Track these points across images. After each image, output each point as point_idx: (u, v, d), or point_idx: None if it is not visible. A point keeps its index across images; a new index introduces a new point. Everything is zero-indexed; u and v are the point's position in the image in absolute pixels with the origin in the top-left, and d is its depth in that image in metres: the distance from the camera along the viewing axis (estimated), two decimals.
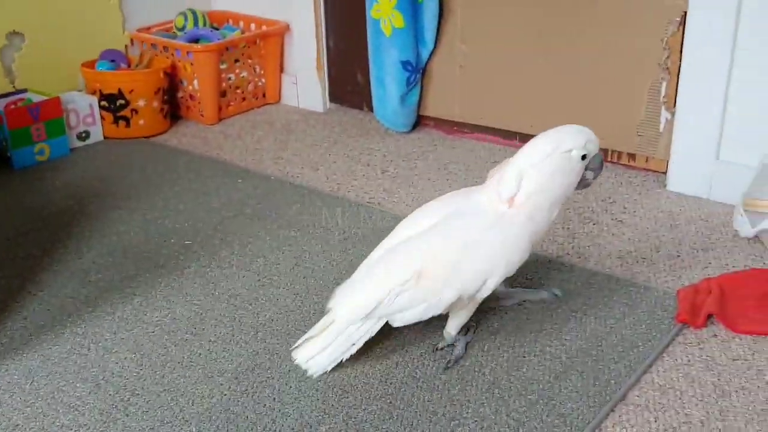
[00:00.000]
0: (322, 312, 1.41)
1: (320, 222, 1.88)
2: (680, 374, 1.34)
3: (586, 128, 1.34)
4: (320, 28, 2.55)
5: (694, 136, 1.95)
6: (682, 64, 1.93)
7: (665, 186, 2.03)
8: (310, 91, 2.62)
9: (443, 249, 1.30)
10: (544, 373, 1.34)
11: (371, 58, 2.37)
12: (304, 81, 2.63)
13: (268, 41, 2.61)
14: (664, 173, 2.05)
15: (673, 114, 2.00)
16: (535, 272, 1.64)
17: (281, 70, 2.68)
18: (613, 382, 1.31)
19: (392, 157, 2.27)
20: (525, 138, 2.29)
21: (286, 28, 2.62)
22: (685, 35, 1.91)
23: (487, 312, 1.51)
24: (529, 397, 1.28)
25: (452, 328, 1.39)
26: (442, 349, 1.40)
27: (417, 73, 2.36)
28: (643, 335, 1.43)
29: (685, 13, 1.91)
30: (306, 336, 1.35)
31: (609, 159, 2.16)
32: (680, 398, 1.28)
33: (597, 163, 1.36)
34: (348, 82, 2.59)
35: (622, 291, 1.56)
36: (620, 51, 2.05)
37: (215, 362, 1.40)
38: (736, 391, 1.29)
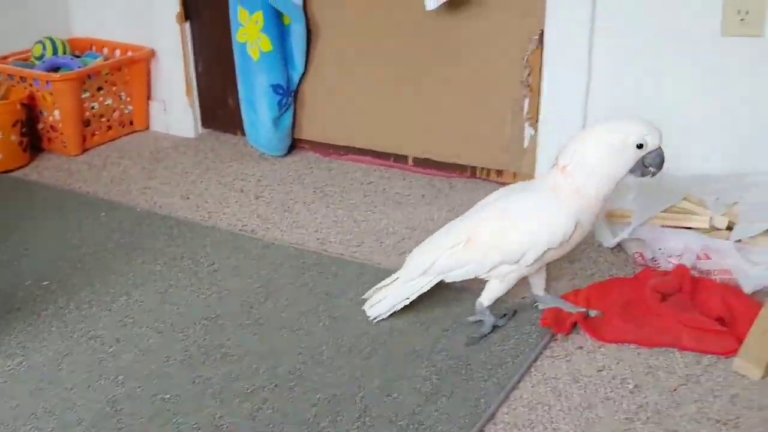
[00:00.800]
0: (186, 350, 1.36)
1: (188, 254, 1.81)
2: (548, 388, 1.36)
3: (649, 122, 1.39)
4: (187, 53, 2.49)
5: (557, 150, 2.00)
6: (542, 82, 1.99)
7: None
8: (180, 117, 2.55)
9: (491, 218, 1.45)
10: (415, 397, 1.33)
11: (240, 82, 2.33)
12: (174, 107, 2.56)
13: (134, 67, 2.52)
14: None
15: (536, 130, 2.05)
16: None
17: (149, 96, 2.59)
18: (482, 401, 1.31)
19: (267, 182, 2.23)
20: (399, 159, 2.33)
21: (152, 53, 2.54)
22: (543, 53, 1.97)
23: (361, 337, 1.49)
24: (399, 423, 1.27)
25: (485, 299, 1.49)
26: (472, 323, 1.51)
27: (288, 96, 2.33)
28: (511, 351, 1.44)
29: (543, 31, 1.96)
30: (376, 286, 1.56)
31: (478, 176, 2.19)
32: (548, 413, 1.30)
33: (655, 157, 1.39)
34: (219, 106, 2.53)
35: (493, 307, 1.57)
36: (484, 70, 2.09)
37: (72, 411, 1.32)
38: (602, 402, 1.32)
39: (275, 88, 2.28)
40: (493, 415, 1.29)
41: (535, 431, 1.26)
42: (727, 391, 1.34)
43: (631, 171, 1.41)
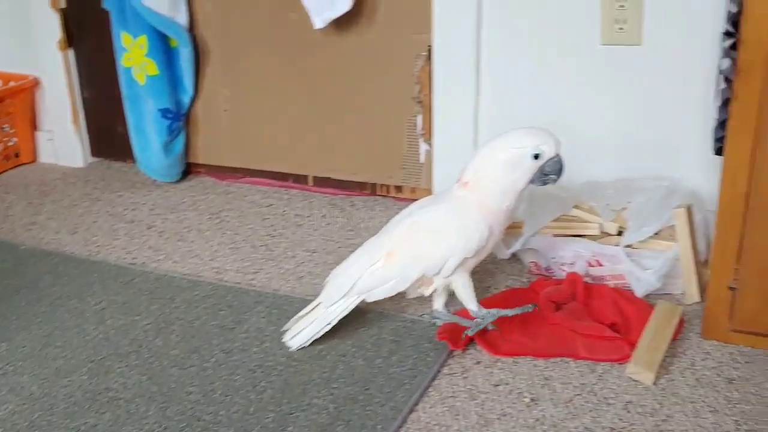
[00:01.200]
0: (70, 396, 1.29)
1: (75, 292, 1.73)
2: (445, 408, 1.34)
3: (544, 131, 1.41)
4: (72, 80, 2.40)
5: (452, 164, 1.99)
6: (433, 97, 1.99)
7: None
8: (68, 147, 2.45)
9: (407, 232, 1.45)
10: (311, 429, 1.29)
11: (127, 108, 2.25)
12: (61, 137, 2.45)
13: (17, 98, 2.41)
14: None
15: (431, 145, 2.05)
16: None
17: (35, 126, 2.49)
18: (379, 427, 1.29)
19: (160, 210, 2.16)
20: (299, 179, 2.30)
21: (36, 82, 2.44)
22: (432, 69, 1.97)
23: (255, 371, 1.44)
24: None
25: (470, 306, 1.48)
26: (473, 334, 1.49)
27: (179, 120, 2.27)
28: (409, 372, 1.42)
29: (431, 47, 1.96)
30: (297, 316, 1.53)
31: (378, 193, 2.18)
32: None
33: (554, 165, 1.41)
34: (108, 134, 2.44)
35: (390, 327, 1.55)
36: (377, 87, 2.08)
37: None
38: (498, 418, 1.32)
39: (164, 112, 2.21)
40: None
41: None
42: (621, 399, 1.35)
43: (531, 182, 1.42)
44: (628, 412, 1.32)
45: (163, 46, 2.17)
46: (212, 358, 1.48)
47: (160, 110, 2.21)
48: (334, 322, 1.49)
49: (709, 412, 1.31)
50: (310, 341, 1.50)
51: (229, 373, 1.44)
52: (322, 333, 1.50)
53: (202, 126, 2.31)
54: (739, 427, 1.27)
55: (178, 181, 2.32)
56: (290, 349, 1.50)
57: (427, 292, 1.50)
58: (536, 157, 1.39)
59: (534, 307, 1.49)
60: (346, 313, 1.49)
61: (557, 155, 1.41)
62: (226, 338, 1.54)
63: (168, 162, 2.27)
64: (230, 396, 1.38)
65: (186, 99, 2.26)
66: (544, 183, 1.44)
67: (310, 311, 1.51)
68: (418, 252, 1.44)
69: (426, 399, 1.37)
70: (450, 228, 1.43)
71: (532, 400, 1.35)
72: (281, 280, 1.78)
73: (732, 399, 1.34)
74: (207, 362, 1.47)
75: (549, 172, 1.41)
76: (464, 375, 1.43)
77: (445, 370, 1.44)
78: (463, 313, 1.54)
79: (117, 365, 1.48)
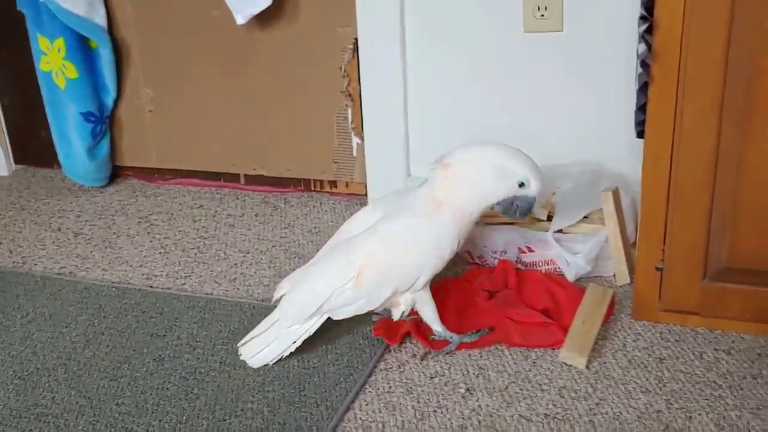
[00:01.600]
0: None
1: None
2: (382, 404, 1.34)
3: (541, 172, 1.40)
4: None
5: (385, 157, 2.00)
6: (362, 90, 1.97)
7: None
8: None
9: (380, 251, 1.39)
10: None
11: (49, 113, 2.19)
12: None
13: None
14: (365, 195, 2.09)
15: (362, 138, 2.03)
16: (243, 314, 1.57)
17: None
18: (315, 428, 1.27)
19: (87, 216, 2.10)
20: (230, 178, 2.26)
21: None
22: (359, 61, 1.95)
23: (188, 378, 1.42)
24: None
25: (433, 324, 1.46)
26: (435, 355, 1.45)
27: (103, 123, 2.21)
28: (345, 369, 1.41)
29: (357, 39, 1.95)
30: (252, 334, 1.43)
31: (313, 189, 2.16)
32: (382, 431, 1.28)
33: (526, 203, 1.41)
34: (32, 140, 2.37)
35: (325, 326, 1.52)
36: (305, 81, 2.05)
37: None
38: (435, 411, 1.31)
39: (86, 116, 2.15)
40: None
41: None
42: (555, 384, 1.36)
43: (499, 202, 1.41)
44: (562, 397, 1.33)
45: (81, 47, 2.11)
46: (143, 368, 1.45)
47: (82, 114, 2.15)
48: (300, 342, 1.42)
49: (642, 392, 1.33)
50: (274, 361, 1.42)
51: (161, 381, 1.41)
52: (287, 353, 1.42)
53: (126, 128, 2.25)
54: (670, 405, 1.29)
55: (105, 186, 2.27)
56: (251, 366, 1.42)
57: (396, 316, 1.46)
58: (521, 185, 1.39)
59: (490, 331, 1.48)
60: (312, 331, 1.42)
61: (535, 198, 1.41)
62: (157, 346, 1.51)
63: (93, 166, 2.21)
64: (162, 405, 1.35)
65: (109, 101, 2.20)
66: (505, 212, 1.44)
67: (269, 327, 1.42)
68: (390, 269, 1.39)
69: (362, 396, 1.36)
70: (422, 243, 1.39)
71: (468, 390, 1.36)
72: (213, 283, 1.75)
73: (663, 378, 1.36)
74: (138, 372, 1.44)
75: (518, 206, 1.41)
76: (400, 369, 1.42)
77: (381, 365, 1.44)
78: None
79: (45, 380, 1.43)
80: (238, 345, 1.45)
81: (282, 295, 1.44)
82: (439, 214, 1.39)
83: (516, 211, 1.42)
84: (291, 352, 1.43)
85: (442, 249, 1.40)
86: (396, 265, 1.39)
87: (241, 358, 1.43)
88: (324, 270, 1.41)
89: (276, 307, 1.44)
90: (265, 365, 1.42)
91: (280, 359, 1.42)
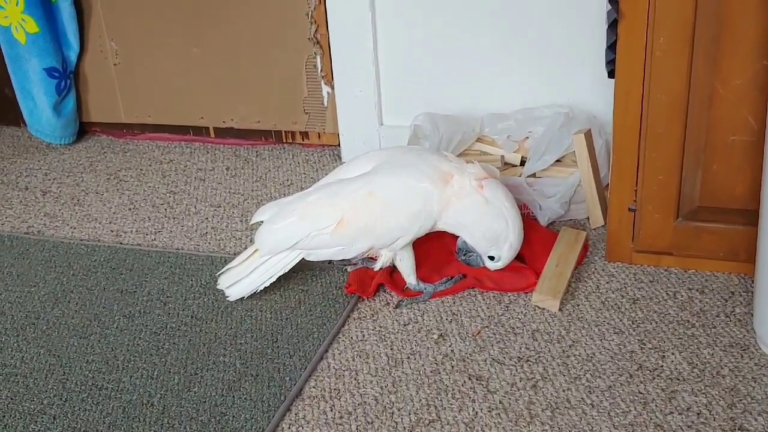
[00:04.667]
0: None
1: None
2: (355, 353, 1.33)
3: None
4: None
5: (356, 106, 1.96)
6: (330, 37, 1.93)
7: (340, 158, 2.03)
8: None
9: (365, 204, 1.36)
10: (217, 388, 1.26)
11: (11, 69, 2.13)
12: None
13: None
14: (338, 146, 2.06)
15: (333, 87, 1.99)
16: (214, 268, 1.55)
17: None
18: (288, 378, 1.26)
19: (55, 174, 2.06)
20: (197, 131, 2.21)
21: None
22: (327, 7, 1.90)
23: (159, 333, 1.40)
24: (200, 418, 1.20)
25: (408, 278, 1.45)
26: (407, 305, 1.44)
27: (67, 78, 2.15)
28: (317, 320, 1.40)
29: None
30: (231, 264, 1.44)
31: (285, 141, 2.12)
32: (355, 378, 1.27)
33: (475, 260, 1.44)
34: None
35: (298, 277, 1.52)
36: (272, 29, 2.00)
37: None
38: (408, 358, 1.31)
39: (50, 71, 2.10)
40: (300, 391, 1.25)
41: (342, 400, 1.23)
42: (528, 328, 1.36)
43: (457, 244, 1.44)
44: (535, 340, 1.32)
45: (41, 0, 2.04)
46: (113, 324, 1.43)
47: (45, 69, 2.09)
48: (275, 277, 1.43)
49: (615, 333, 1.33)
50: (251, 293, 1.44)
51: (131, 338, 1.39)
52: (263, 286, 1.43)
53: (92, 83, 2.20)
54: (643, 345, 1.29)
55: (73, 143, 2.22)
56: (227, 299, 1.44)
57: (377, 267, 1.44)
58: (491, 258, 1.41)
59: (463, 277, 1.47)
60: (290, 267, 1.42)
61: (492, 262, 1.42)
62: (127, 302, 1.49)
63: (60, 123, 2.16)
64: (133, 361, 1.33)
65: (72, 55, 2.15)
66: (458, 254, 1.45)
67: (246, 258, 1.43)
68: (370, 226, 1.36)
69: (335, 345, 1.35)
70: (409, 208, 1.36)
71: (441, 336, 1.35)
72: (184, 238, 1.72)
73: (636, 319, 1.36)
74: (108, 329, 1.42)
75: (466, 257, 1.44)
76: (374, 318, 1.41)
77: (355, 314, 1.43)
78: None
79: (13, 340, 1.41)
80: (217, 274, 1.47)
81: (260, 222, 1.43)
82: (439, 187, 1.36)
83: (463, 259, 1.45)
84: (265, 298, 1.42)
85: (429, 219, 1.38)
86: (378, 224, 1.37)
87: (219, 287, 1.45)
88: (308, 208, 1.38)
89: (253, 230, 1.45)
90: (242, 297, 1.44)
91: (254, 293, 1.44)
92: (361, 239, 1.38)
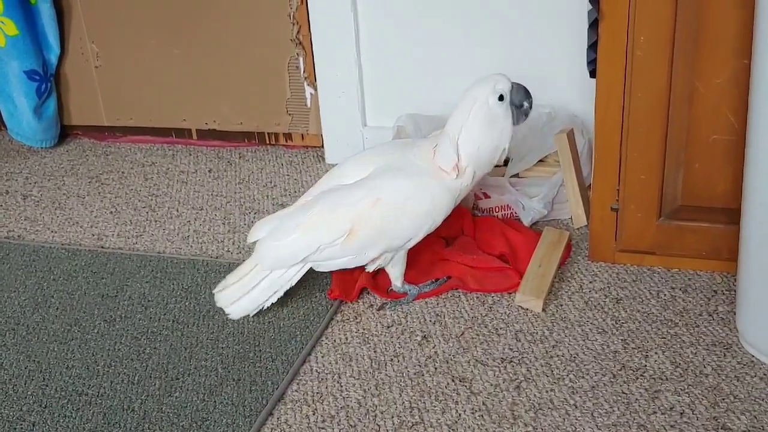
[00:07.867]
0: None
1: None
2: (338, 355, 1.32)
3: (493, 75, 1.35)
4: None
5: (340, 107, 1.95)
6: (312, 38, 1.92)
7: (324, 159, 2.03)
8: None
9: (374, 212, 1.33)
10: (199, 392, 1.25)
11: None
12: None
13: None
14: (322, 147, 2.05)
15: (316, 88, 1.98)
16: (196, 272, 1.54)
17: None
18: (270, 382, 1.26)
19: (36, 178, 2.04)
20: (180, 133, 2.20)
21: None
22: (309, 8, 1.89)
23: (140, 338, 1.39)
24: (182, 423, 1.19)
25: (396, 281, 1.43)
26: (392, 307, 1.43)
27: (48, 81, 2.13)
28: (300, 322, 1.39)
29: None
30: (229, 280, 1.38)
31: (268, 142, 2.11)
32: (338, 381, 1.26)
33: (519, 94, 1.35)
34: None
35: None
36: (254, 30, 1.99)
37: None
38: (391, 360, 1.30)
39: (30, 74, 2.08)
40: (282, 395, 1.24)
41: (325, 404, 1.22)
42: (511, 328, 1.35)
43: (515, 123, 1.36)
44: (519, 340, 1.32)
45: (20, 2, 2.03)
46: (94, 329, 1.42)
47: (25, 72, 2.08)
48: (282, 291, 1.37)
49: (598, 333, 1.33)
50: (256, 311, 1.37)
51: (111, 342, 1.38)
52: (270, 303, 1.37)
53: (73, 85, 2.18)
54: (626, 345, 1.29)
55: (54, 146, 2.20)
56: (229, 317, 1.37)
57: (371, 269, 1.42)
58: (501, 98, 1.33)
59: (448, 279, 1.46)
60: (295, 282, 1.37)
61: (513, 84, 1.35)
62: (108, 307, 1.47)
63: (41, 126, 2.15)
64: (114, 366, 1.32)
65: (53, 58, 2.13)
66: (526, 114, 1.37)
67: (246, 274, 1.36)
68: (384, 233, 1.34)
69: (318, 348, 1.34)
70: (420, 208, 1.34)
71: (424, 338, 1.34)
72: (166, 241, 1.71)
73: (620, 319, 1.36)
74: (88, 334, 1.41)
75: (520, 102, 1.35)
76: (357, 320, 1.40)
77: (338, 317, 1.42)
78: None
79: None
80: (214, 291, 1.39)
81: (256, 240, 1.37)
82: (442, 176, 1.35)
83: (525, 106, 1.36)
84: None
85: (438, 214, 1.37)
86: (390, 229, 1.34)
87: (219, 305, 1.38)
88: (313, 221, 1.33)
89: (252, 250, 1.38)
90: (246, 314, 1.38)
91: (260, 311, 1.38)
92: (374, 246, 1.35)
